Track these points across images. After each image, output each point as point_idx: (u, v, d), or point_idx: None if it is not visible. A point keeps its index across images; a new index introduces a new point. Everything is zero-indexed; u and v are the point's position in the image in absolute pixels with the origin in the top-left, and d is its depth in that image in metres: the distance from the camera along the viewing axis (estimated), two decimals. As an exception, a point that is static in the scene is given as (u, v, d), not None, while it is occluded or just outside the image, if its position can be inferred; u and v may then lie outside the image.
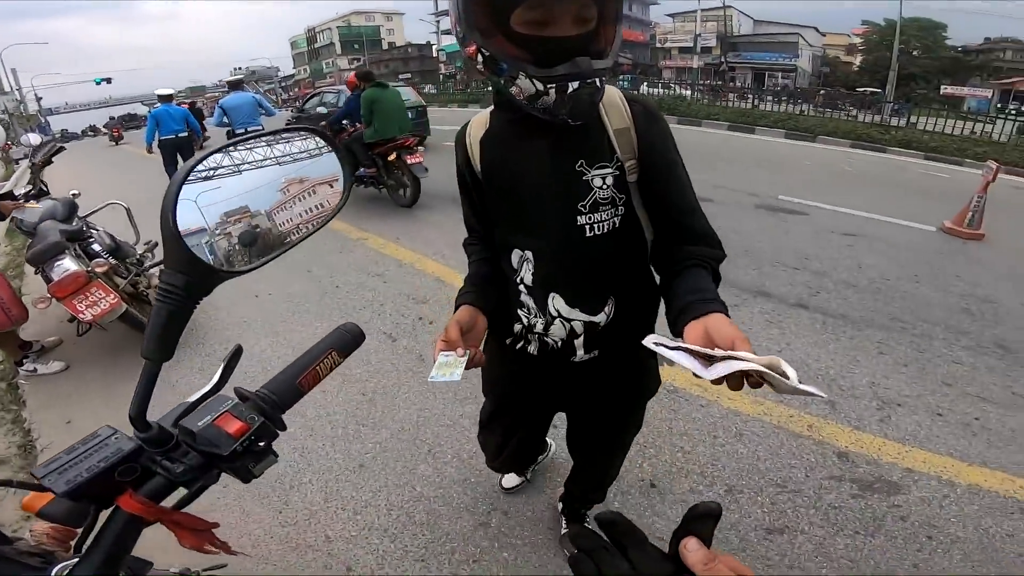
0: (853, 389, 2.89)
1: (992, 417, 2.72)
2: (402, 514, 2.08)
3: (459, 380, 0.88)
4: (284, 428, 0.64)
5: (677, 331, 0.82)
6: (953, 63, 37.82)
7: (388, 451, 2.42)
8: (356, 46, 66.81)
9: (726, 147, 11.16)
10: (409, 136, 5.67)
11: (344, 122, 6.27)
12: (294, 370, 0.68)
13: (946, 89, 32.22)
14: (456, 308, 1.06)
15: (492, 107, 1.08)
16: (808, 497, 2.15)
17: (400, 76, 45.14)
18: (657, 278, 1.12)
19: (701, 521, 0.43)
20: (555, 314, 1.10)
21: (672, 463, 2.31)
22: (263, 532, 2.02)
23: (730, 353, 0.65)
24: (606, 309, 1.10)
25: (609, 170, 0.99)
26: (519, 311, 1.15)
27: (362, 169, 6.01)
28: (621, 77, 26.58)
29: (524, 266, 1.09)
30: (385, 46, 71.87)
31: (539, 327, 1.13)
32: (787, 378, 0.59)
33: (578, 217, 1.00)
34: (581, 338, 1.11)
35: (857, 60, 44.31)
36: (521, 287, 1.12)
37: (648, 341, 0.71)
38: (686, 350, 0.69)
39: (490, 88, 0.99)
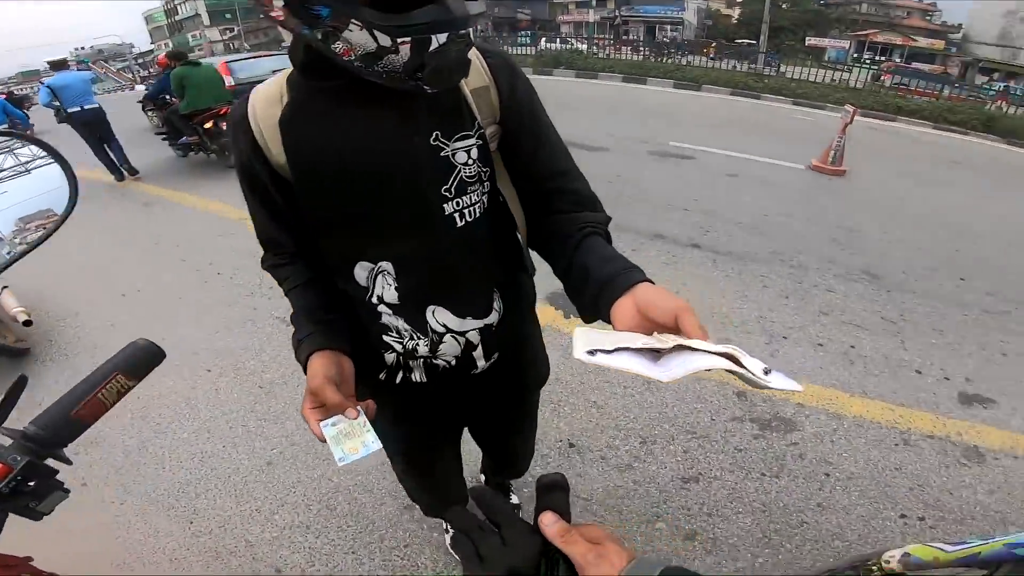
0: (744, 324, 2.93)
1: (866, 344, 2.86)
2: (323, 508, 1.90)
3: (380, 447, 0.70)
4: (67, 462, 0.61)
5: (601, 314, 0.67)
6: (816, 15, 40.13)
7: (296, 444, 2.16)
8: (228, 15, 59.03)
9: (621, 98, 11.18)
10: (225, 105, 5.95)
11: (168, 97, 6.58)
12: (68, 401, 0.60)
13: (810, 40, 34.30)
14: (304, 360, 0.77)
15: (285, 74, 0.77)
16: (716, 442, 2.15)
17: (282, 45, 40.99)
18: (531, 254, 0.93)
19: (550, 494, 0.44)
20: (442, 330, 0.86)
21: (587, 420, 2.24)
22: (177, 545, 1.80)
23: (680, 341, 0.52)
24: (495, 306, 0.89)
25: (472, 140, 0.76)
26: (384, 337, 0.87)
27: (184, 138, 6.35)
28: (521, 33, 25.70)
29: (379, 281, 0.82)
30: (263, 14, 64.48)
31: (423, 350, 0.87)
32: (751, 371, 0.48)
33: (444, 205, 0.77)
34: (479, 347, 0.90)
35: (736, 13, 45.94)
36: (381, 308, 0.84)
37: (579, 352, 0.54)
38: (626, 349, 0.54)
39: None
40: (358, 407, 0.71)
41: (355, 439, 0.68)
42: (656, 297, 0.59)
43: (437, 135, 0.73)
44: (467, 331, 0.87)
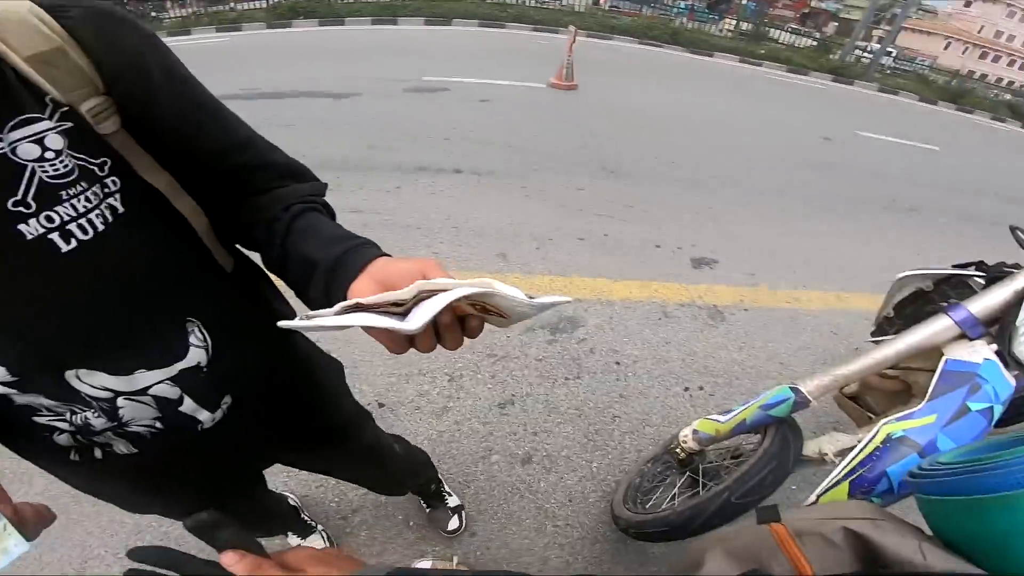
0: (515, 236, 2.91)
1: (616, 231, 3.07)
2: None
3: (27, 548, 0.46)
4: None
5: (335, 303, 0.49)
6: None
7: (60, 495, 1.54)
8: None
9: (371, 41, 10.33)
10: None
11: None
12: None
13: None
14: None
15: None
16: (517, 358, 2.08)
17: None
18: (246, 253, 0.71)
19: (214, 535, 0.38)
20: (107, 395, 0.58)
21: (388, 373, 1.98)
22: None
23: (419, 284, 0.42)
24: (195, 340, 0.63)
25: (46, 125, 0.48)
26: (36, 419, 0.59)
27: None
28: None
29: None
30: None
31: (99, 422, 0.60)
32: (511, 296, 0.42)
33: (22, 226, 0.48)
34: (187, 400, 0.64)
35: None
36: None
37: (300, 323, 0.43)
38: (359, 307, 0.43)
39: None
40: None
41: None
42: (396, 266, 0.49)
43: None
44: (149, 387, 0.60)
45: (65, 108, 0.50)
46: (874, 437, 0.94)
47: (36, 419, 0.59)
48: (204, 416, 0.66)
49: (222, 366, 0.65)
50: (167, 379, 0.61)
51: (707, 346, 2.26)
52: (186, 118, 0.57)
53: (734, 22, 14.57)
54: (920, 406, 0.93)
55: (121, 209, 0.53)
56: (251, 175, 0.62)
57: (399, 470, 1.31)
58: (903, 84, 13.06)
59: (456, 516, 1.52)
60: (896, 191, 4.77)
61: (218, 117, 0.60)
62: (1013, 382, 0.93)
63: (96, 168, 0.52)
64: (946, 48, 44.10)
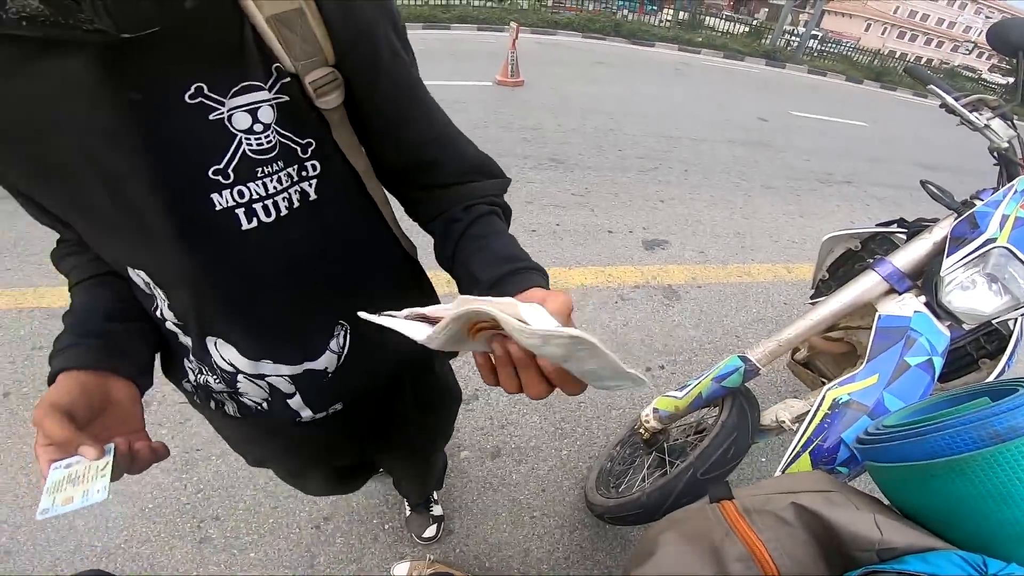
0: (464, 235, 2.85)
1: (567, 220, 3.05)
2: None
3: (104, 497, 0.45)
4: None
5: None
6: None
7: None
8: None
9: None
10: None
11: None
12: None
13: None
14: (50, 380, 0.49)
15: None
16: (466, 358, 1.99)
17: None
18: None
19: None
20: (231, 370, 0.59)
21: None
22: None
23: (461, 300, 0.38)
24: (333, 345, 0.61)
25: (262, 96, 0.44)
26: (185, 361, 0.62)
27: None
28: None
29: (156, 292, 0.53)
30: None
31: (217, 386, 0.62)
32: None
33: (215, 195, 0.45)
34: (297, 396, 0.63)
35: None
36: (170, 325, 0.57)
37: (376, 319, 0.40)
38: (423, 318, 0.41)
39: None
40: (107, 446, 0.47)
41: (81, 486, 0.46)
42: (538, 297, 0.44)
43: (200, 88, 0.41)
44: (268, 376, 0.60)
45: (287, 79, 0.46)
46: (821, 404, 0.91)
47: (185, 361, 0.62)
48: (306, 414, 0.66)
49: (347, 376, 0.64)
50: (286, 376, 0.60)
51: (665, 325, 2.26)
52: (399, 102, 0.53)
53: (672, 11, 14.86)
54: (861, 367, 0.91)
55: (313, 196, 0.51)
56: (441, 169, 0.58)
57: (439, 476, 1.33)
58: (830, 65, 13.64)
59: (435, 526, 1.45)
60: (831, 165, 4.95)
61: (424, 105, 0.55)
62: (947, 332, 0.92)
63: (299, 149, 0.48)
64: (867, 29, 46.43)
